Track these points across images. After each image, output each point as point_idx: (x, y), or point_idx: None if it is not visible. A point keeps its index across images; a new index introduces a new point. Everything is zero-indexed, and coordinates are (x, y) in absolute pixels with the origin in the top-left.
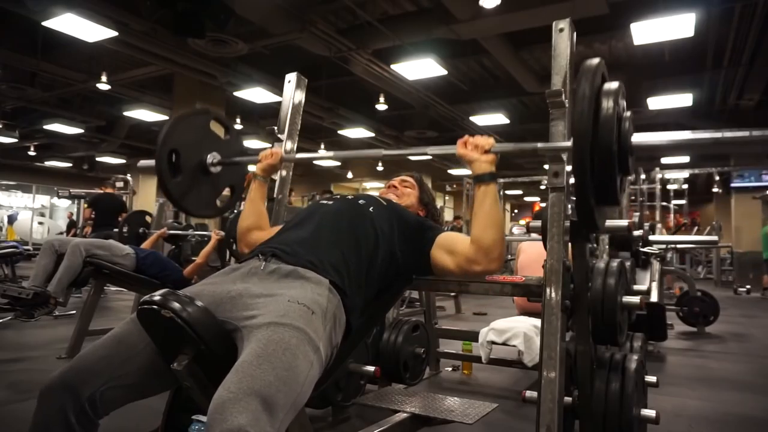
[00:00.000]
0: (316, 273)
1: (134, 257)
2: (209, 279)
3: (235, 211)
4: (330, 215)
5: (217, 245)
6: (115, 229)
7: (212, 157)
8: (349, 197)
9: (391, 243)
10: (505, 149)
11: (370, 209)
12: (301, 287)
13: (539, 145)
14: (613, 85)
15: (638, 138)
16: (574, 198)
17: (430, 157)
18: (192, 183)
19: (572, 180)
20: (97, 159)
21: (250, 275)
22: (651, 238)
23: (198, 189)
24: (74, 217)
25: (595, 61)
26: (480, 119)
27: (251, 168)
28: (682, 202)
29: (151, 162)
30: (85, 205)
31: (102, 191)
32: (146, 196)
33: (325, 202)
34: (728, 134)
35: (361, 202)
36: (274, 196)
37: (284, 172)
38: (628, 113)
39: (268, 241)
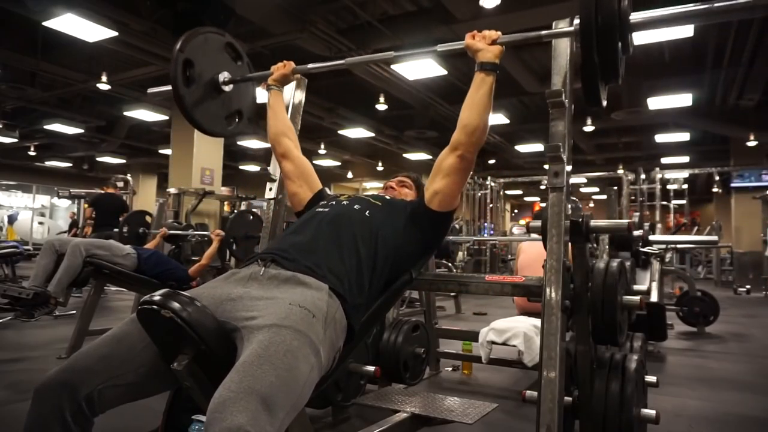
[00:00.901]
0: (316, 279)
1: (135, 257)
2: (209, 283)
3: (235, 211)
4: (327, 222)
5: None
6: (116, 229)
7: (224, 76)
8: (344, 203)
9: (394, 240)
10: (511, 39)
11: (366, 213)
12: (301, 292)
13: (543, 32)
14: None
15: (636, 16)
16: (581, 72)
17: (429, 157)
18: (203, 97)
19: (572, 180)
20: (97, 159)
21: (251, 280)
22: (651, 238)
23: (208, 104)
24: (76, 217)
25: None
26: None
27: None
28: (682, 202)
29: (164, 87)
30: (86, 205)
31: (103, 191)
32: (146, 196)
33: (321, 210)
34: (719, 3)
35: (356, 207)
36: (274, 196)
37: (282, 174)
38: None
39: (268, 247)
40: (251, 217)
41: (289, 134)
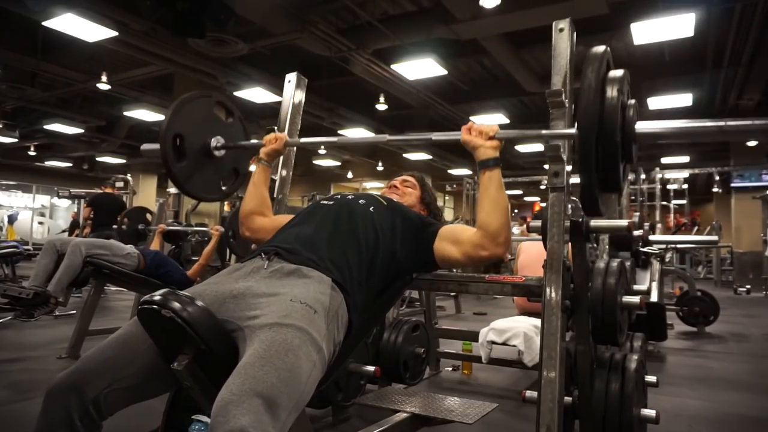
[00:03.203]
0: (318, 271)
1: (137, 257)
2: (212, 279)
3: (234, 207)
4: (330, 215)
5: (218, 243)
6: (114, 226)
7: (216, 141)
8: (350, 197)
9: (392, 243)
10: (509, 135)
11: (371, 209)
12: (303, 286)
13: (544, 132)
14: (618, 72)
15: (642, 126)
16: (579, 183)
17: (429, 158)
18: (196, 167)
19: (573, 180)
20: (97, 159)
21: (253, 274)
22: (651, 238)
23: (202, 173)
24: (77, 218)
25: (601, 48)
26: (480, 119)
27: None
28: (682, 202)
29: (155, 146)
30: (85, 205)
31: (102, 191)
32: (146, 197)
33: (325, 202)
34: (731, 123)
35: (361, 201)
36: (274, 196)
37: (284, 172)
38: (632, 101)
39: (270, 240)
40: None
41: (263, 211)
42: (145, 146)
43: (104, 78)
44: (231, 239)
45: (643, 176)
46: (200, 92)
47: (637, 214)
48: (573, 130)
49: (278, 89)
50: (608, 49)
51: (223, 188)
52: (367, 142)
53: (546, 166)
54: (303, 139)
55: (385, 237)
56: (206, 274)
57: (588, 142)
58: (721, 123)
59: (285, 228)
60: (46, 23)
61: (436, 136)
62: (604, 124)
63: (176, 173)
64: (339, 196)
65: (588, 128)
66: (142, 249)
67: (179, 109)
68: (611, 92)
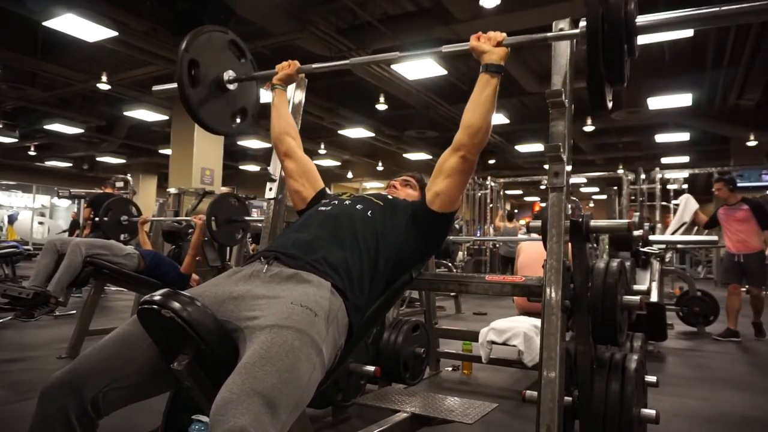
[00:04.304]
0: (318, 276)
1: (137, 258)
2: (211, 281)
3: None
4: (329, 220)
5: (204, 234)
6: (96, 218)
7: (228, 75)
8: (347, 202)
9: (395, 241)
10: (516, 40)
11: (368, 213)
12: (303, 290)
13: (549, 34)
14: None
15: (642, 19)
16: (586, 75)
17: (429, 157)
18: (208, 96)
19: (572, 180)
20: (97, 159)
21: (253, 278)
22: (651, 238)
23: (214, 103)
24: (77, 218)
25: None
26: None
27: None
28: None
29: (169, 86)
30: (85, 205)
31: (102, 191)
32: (146, 197)
33: (323, 208)
34: (725, 7)
35: (359, 207)
36: (274, 196)
37: (284, 173)
38: None
39: (269, 245)
40: (236, 202)
41: (292, 133)
42: (156, 87)
43: (104, 78)
44: (212, 225)
45: (643, 176)
46: (216, 26)
47: (637, 214)
48: (577, 30)
49: None
50: None
51: (233, 125)
52: (378, 60)
53: (546, 166)
54: (315, 65)
55: (386, 238)
56: (206, 274)
57: (595, 34)
58: (716, 9)
59: (284, 233)
60: (46, 23)
61: (447, 48)
62: (609, 15)
63: (189, 95)
64: (336, 202)
65: (595, 18)
66: (141, 250)
67: (196, 36)
68: None
